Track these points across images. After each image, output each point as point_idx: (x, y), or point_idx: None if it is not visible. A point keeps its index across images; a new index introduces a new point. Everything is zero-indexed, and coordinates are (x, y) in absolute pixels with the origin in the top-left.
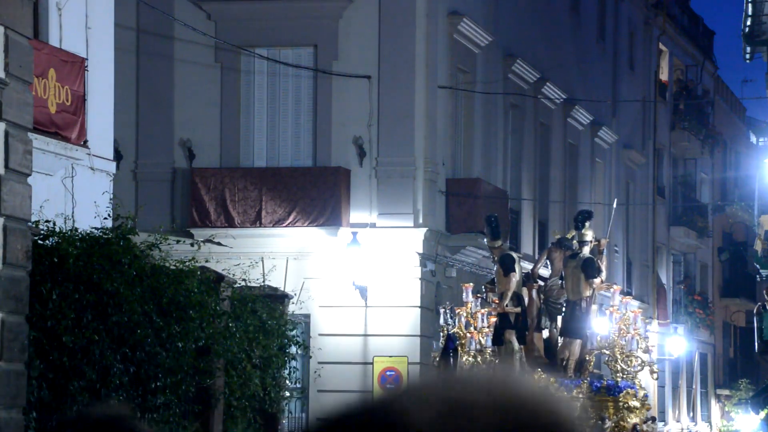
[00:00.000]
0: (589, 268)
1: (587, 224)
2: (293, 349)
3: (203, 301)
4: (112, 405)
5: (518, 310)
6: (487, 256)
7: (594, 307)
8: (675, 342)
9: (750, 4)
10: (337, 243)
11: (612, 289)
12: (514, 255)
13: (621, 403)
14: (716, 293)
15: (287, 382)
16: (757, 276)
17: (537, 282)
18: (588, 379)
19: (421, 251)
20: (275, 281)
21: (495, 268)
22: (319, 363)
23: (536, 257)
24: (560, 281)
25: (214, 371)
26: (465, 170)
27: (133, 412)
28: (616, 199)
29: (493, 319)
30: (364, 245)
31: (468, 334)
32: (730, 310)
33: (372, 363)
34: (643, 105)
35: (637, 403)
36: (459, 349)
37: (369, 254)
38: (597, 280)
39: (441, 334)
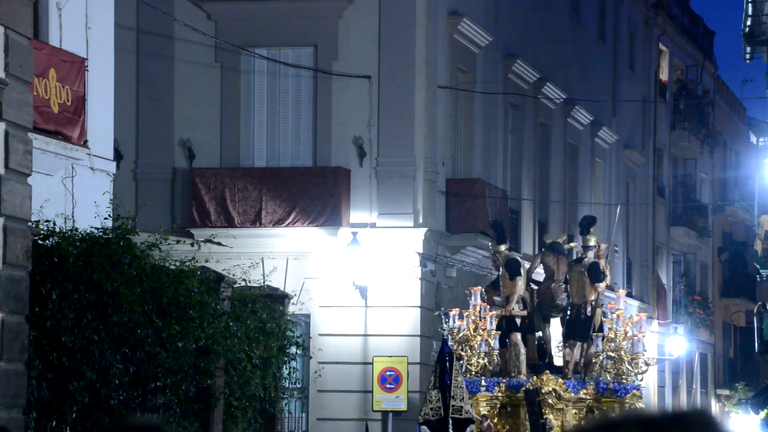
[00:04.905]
0: (595, 273)
1: (591, 230)
2: (293, 350)
3: (203, 301)
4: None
5: (524, 313)
6: (487, 256)
7: (599, 310)
8: (675, 342)
9: (750, 4)
10: (337, 243)
11: (617, 293)
12: (519, 259)
13: (627, 405)
14: (716, 293)
15: (287, 382)
16: (757, 276)
17: (530, 285)
18: (593, 381)
19: (421, 251)
20: (275, 281)
21: (500, 272)
22: (319, 363)
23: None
24: (564, 285)
25: (214, 371)
26: (465, 170)
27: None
28: (619, 206)
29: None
30: (364, 245)
31: (477, 336)
32: (730, 310)
33: (372, 363)
34: (643, 105)
35: (642, 405)
36: (453, 354)
37: (369, 254)
38: (602, 285)
39: (449, 337)
